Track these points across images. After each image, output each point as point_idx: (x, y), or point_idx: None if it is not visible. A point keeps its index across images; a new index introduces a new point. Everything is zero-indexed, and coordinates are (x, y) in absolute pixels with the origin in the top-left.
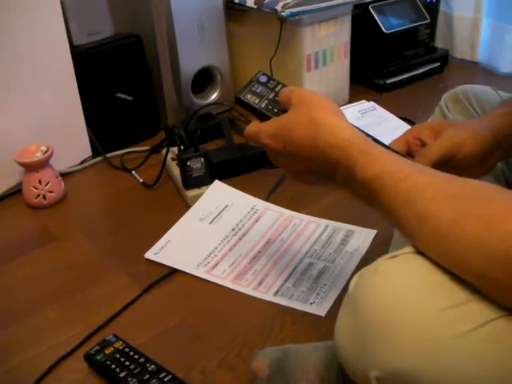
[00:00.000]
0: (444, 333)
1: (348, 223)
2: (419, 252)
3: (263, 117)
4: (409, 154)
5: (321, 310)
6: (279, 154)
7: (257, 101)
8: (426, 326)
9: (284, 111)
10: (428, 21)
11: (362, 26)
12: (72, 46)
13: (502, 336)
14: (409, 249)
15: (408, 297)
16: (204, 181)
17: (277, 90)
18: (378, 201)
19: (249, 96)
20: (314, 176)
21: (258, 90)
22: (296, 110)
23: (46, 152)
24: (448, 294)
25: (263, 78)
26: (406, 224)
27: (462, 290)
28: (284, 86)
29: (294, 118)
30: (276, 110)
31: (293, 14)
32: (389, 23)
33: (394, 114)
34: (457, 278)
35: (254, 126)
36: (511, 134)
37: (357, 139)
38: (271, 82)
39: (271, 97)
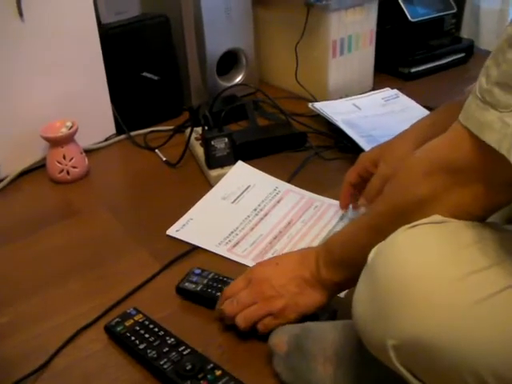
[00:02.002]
0: (462, 299)
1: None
2: (438, 222)
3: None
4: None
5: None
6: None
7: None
8: (444, 293)
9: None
10: (454, 11)
11: (388, 14)
12: (100, 25)
13: None
14: (427, 219)
15: (426, 264)
16: (227, 161)
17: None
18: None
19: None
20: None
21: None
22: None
23: (71, 128)
24: (466, 261)
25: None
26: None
27: (481, 257)
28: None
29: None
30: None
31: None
32: (415, 12)
33: (418, 102)
34: (475, 245)
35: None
36: None
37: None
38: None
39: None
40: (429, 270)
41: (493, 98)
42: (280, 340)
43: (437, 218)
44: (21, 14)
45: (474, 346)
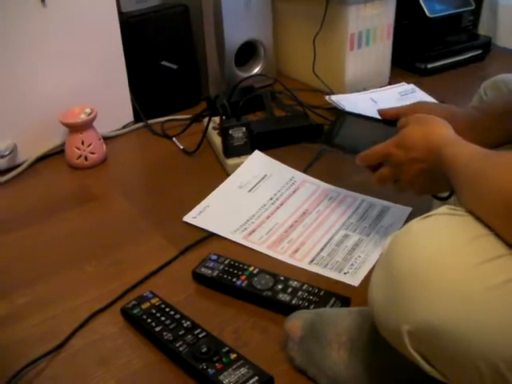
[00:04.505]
0: (475, 286)
1: (384, 199)
2: (450, 213)
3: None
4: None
5: (354, 280)
6: (401, 163)
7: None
8: (457, 280)
9: None
10: (472, 7)
11: (406, 9)
12: (120, 13)
13: None
14: (441, 210)
15: (440, 251)
16: (244, 150)
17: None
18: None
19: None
20: (425, 177)
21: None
22: (411, 126)
23: (90, 114)
24: (479, 249)
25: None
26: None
27: (494, 246)
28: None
29: (410, 130)
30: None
31: None
32: (433, 7)
33: (433, 98)
34: (489, 235)
35: (379, 146)
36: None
37: (454, 137)
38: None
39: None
40: (443, 257)
41: None
42: (294, 325)
43: (448, 209)
44: (43, 0)
45: (487, 333)
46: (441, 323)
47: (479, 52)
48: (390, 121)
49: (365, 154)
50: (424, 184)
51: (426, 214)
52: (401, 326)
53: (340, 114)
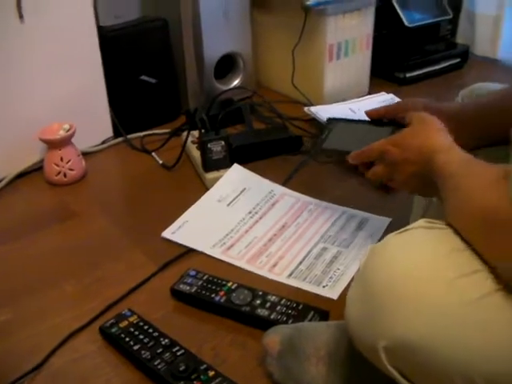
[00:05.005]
0: (451, 300)
1: (363, 211)
2: (427, 227)
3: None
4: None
5: (333, 293)
6: (396, 162)
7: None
8: (434, 295)
9: None
10: (450, 16)
11: (385, 19)
12: (99, 27)
13: (509, 306)
14: (417, 224)
15: (416, 267)
16: (223, 164)
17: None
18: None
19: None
20: (418, 180)
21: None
22: (414, 126)
23: (68, 130)
24: (456, 264)
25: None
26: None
27: (470, 261)
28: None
29: (410, 130)
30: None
31: (318, 4)
32: (411, 17)
33: None
34: (465, 250)
35: (376, 143)
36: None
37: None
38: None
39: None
40: (419, 271)
41: None
42: (273, 340)
43: (425, 223)
44: (21, 16)
45: (463, 348)
46: (417, 338)
47: (457, 60)
48: (378, 121)
49: (358, 151)
50: (417, 186)
51: (403, 229)
52: (377, 341)
53: (330, 121)
